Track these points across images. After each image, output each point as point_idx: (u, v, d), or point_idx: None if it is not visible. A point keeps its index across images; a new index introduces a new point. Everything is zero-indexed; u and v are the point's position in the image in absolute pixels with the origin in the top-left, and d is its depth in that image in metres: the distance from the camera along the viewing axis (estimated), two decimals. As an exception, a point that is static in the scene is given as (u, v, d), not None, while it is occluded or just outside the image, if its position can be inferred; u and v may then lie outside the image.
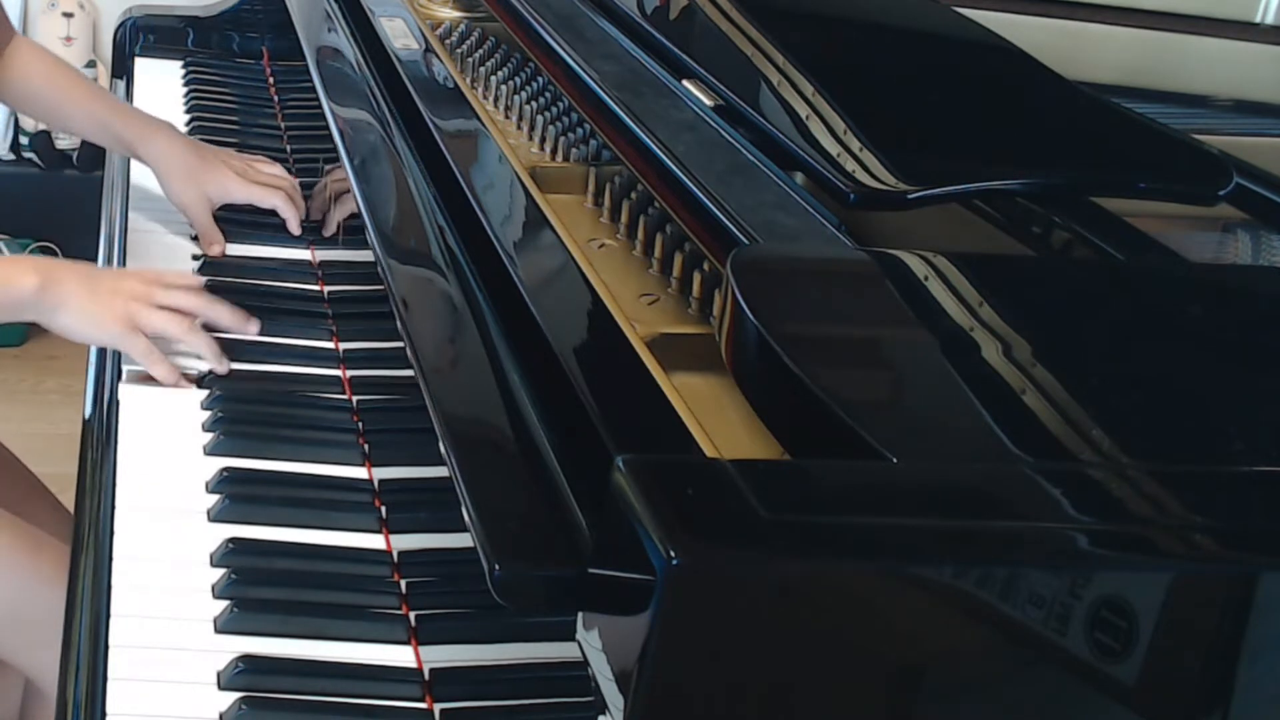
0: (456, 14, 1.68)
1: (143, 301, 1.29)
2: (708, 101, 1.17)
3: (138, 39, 2.14)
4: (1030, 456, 0.73)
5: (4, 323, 1.31)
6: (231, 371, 1.31)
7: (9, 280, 1.26)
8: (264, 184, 1.40)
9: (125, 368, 1.31)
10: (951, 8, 1.33)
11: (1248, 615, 0.70)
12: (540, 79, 1.40)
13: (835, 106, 1.06)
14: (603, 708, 0.69)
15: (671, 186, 1.08)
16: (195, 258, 1.53)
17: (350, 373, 1.33)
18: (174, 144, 1.60)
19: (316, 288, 1.48)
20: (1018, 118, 1.15)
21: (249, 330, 1.35)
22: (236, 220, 1.60)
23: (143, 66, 2.10)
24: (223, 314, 1.34)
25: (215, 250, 1.54)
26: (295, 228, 1.57)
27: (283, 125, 1.91)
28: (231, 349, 1.33)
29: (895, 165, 0.98)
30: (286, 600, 1.05)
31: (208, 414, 1.25)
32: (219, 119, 1.91)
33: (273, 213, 1.60)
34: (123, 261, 1.52)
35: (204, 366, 1.30)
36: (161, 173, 1.58)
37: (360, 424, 1.26)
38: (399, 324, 1.08)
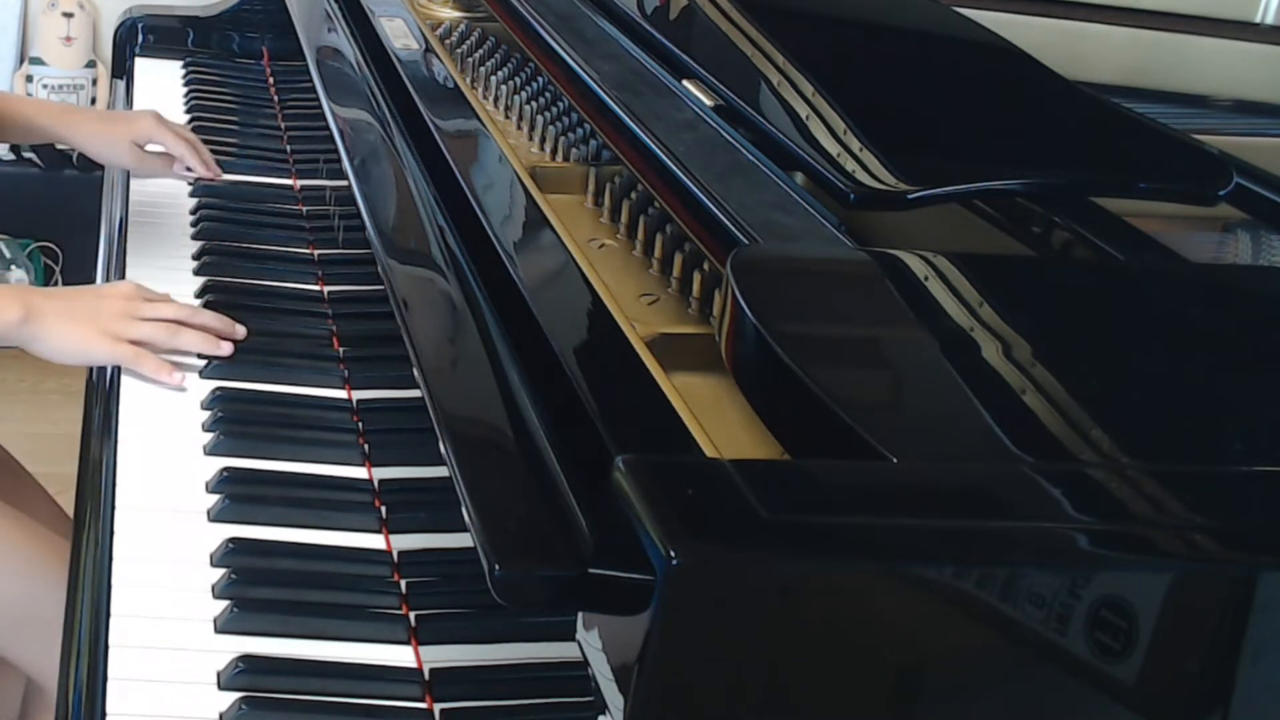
0: (456, 14, 1.68)
1: (124, 318, 1.30)
2: (708, 101, 1.17)
3: (138, 39, 2.14)
4: (1030, 456, 0.73)
5: None
6: (233, 362, 1.31)
7: None
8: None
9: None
10: (951, 8, 1.33)
11: (1248, 615, 0.70)
12: (540, 79, 1.40)
13: (835, 106, 1.06)
14: (603, 708, 0.69)
15: (671, 186, 1.08)
16: (195, 257, 1.52)
17: (350, 373, 1.33)
18: (88, 115, 1.77)
19: (316, 288, 1.48)
20: (1018, 118, 1.15)
21: (236, 335, 1.33)
22: (237, 220, 1.60)
23: (143, 66, 2.10)
24: (207, 319, 1.33)
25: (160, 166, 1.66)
26: (202, 171, 1.66)
27: (283, 125, 1.91)
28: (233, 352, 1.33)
29: (895, 165, 0.98)
30: (286, 600, 1.05)
31: (208, 414, 1.25)
32: (219, 119, 1.91)
33: (273, 214, 1.63)
34: (123, 260, 1.52)
35: (199, 363, 1.30)
36: (91, 146, 1.66)
37: (360, 424, 1.26)
38: (399, 324, 1.08)
